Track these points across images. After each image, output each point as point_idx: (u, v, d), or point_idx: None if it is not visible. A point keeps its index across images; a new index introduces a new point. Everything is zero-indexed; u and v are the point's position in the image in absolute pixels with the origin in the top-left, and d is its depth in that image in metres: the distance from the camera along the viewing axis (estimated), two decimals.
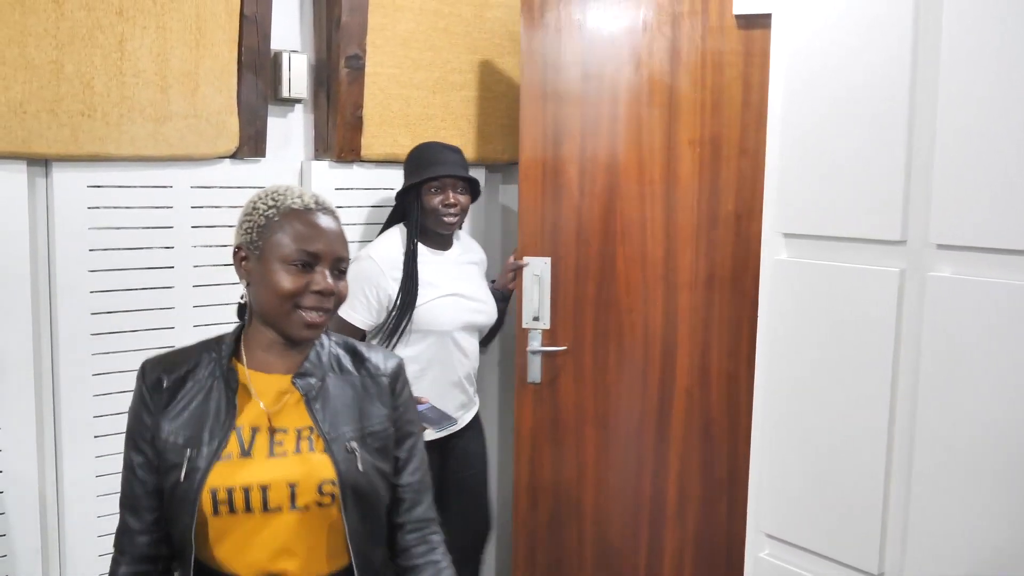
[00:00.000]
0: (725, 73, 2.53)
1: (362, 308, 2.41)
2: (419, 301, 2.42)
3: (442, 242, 2.54)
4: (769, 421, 2.05)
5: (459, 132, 2.85)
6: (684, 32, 2.55)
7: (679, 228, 2.60)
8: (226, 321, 2.48)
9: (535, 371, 2.65)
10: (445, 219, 2.46)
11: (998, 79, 1.61)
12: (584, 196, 2.64)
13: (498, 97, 2.95)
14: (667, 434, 2.66)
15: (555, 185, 2.64)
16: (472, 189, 2.55)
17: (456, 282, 2.51)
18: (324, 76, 2.60)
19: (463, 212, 2.51)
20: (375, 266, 2.42)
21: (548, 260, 2.63)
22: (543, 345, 2.65)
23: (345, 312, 2.37)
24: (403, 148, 2.75)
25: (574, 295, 2.66)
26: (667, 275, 2.61)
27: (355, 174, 2.69)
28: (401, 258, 2.43)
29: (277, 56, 2.49)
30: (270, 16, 2.41)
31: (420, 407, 2.26)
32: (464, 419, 2.58)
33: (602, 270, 2.65)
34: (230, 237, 2.49)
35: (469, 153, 2.78)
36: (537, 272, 2.63)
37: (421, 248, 2.48)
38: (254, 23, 2.35)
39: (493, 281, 2.74)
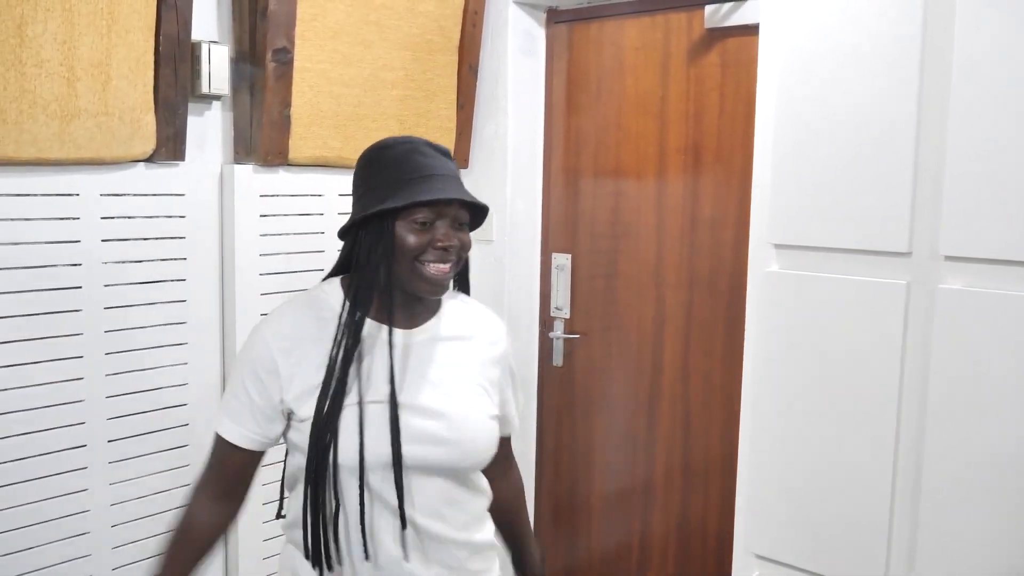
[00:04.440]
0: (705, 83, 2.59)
1: (238, 413, 1.37)
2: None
3: (412, 312, 1.41)
4: (758, 439, 1.97)
5: (390, 134, 2.62)
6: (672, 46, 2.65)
7: (667, 230, 2.70)
8: (141, 347, 2.18)
9: (558, 356, 2.93)
10: (434, 272, 1.34)
11: (1012, 87, 1.56)
12: (596, 199, 2.84)
13: (430, 97, 2.76)
14: (656, 424, 2.76)
15: (575, 188, 2.89)
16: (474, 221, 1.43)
17: (403, 379, 1.36)
18: (247, 71, 2.33)
19: (461, 262, 1.40)
20: (262, 342, 1.36)
21: (569, 256, 2.89)
22: (564, 332, 2.94)
23: (218, 420, 1.40)
24: (333, 151, 2.52)
25: (588, 289, 2.90)
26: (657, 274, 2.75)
27: (282, 179, 2.43)
28: (312, 333, 1.35)
29: (196, 47, 2.20)
30: (191, 2, 2.13)
31: None
32: None
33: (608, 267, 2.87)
34: (146, 251, 2.21)
35: None
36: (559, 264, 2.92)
37: (368, 322, 1.36)
38: (173, 9, 2.07)
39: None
